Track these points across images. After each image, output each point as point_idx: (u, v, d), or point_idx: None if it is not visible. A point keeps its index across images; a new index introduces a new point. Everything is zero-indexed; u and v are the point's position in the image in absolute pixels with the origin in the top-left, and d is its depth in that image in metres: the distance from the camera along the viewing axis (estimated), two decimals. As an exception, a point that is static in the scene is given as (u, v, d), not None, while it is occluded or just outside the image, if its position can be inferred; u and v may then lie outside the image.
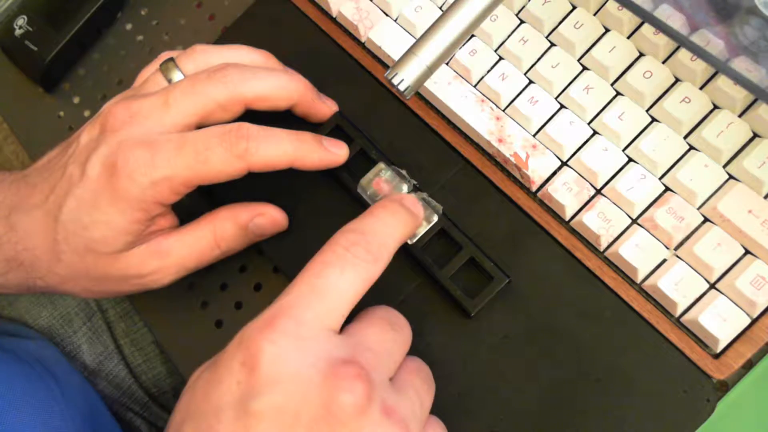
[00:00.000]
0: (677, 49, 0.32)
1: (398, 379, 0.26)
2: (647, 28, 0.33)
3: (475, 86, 0.35)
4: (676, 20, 0.29)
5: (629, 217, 0.32)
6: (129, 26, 0.47)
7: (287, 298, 0.25)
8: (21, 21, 0.45)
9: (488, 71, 0.35)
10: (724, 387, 0.30)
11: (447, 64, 0.36)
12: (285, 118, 0.34)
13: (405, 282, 0.33)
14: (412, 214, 0.29)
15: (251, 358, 0.24)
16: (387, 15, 0.38)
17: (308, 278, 0.26)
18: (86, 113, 0.46)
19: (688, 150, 0.31)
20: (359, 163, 0.34)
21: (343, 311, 0.26)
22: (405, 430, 0.24)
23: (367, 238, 0.27)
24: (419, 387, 0.27)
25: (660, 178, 0.32)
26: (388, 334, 0.27)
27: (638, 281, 0.31)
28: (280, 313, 0.25)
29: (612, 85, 0.33)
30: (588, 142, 0.33)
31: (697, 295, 0.30)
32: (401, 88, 0.29)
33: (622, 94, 0.33)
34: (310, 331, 0.24)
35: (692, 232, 0.31)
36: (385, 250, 0.27)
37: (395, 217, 0.29)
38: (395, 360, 0.27)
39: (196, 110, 0.31)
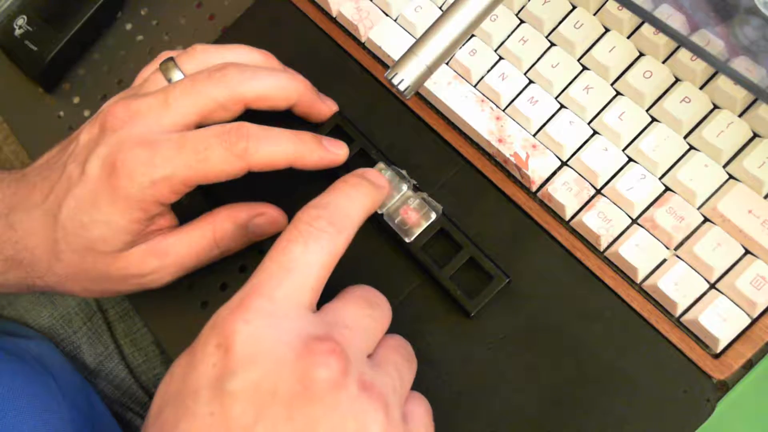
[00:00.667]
0: (677, 49, 0.32)
1: (377, 355, 0.26)
2: (647, 28, 0.33)
3: (475, 86, 0.35)
4: (676, 20, 0.29)
5: (629, 217, 0.32)
6: (129, 26, 0.47)
7: (256, 279, 0.25)
8: (21, 21, 0.45)
9: (488, 71, 0.35)
10: (724, 387, 0.30)
11: (447, 64, 0.36)
12: (285, 118, 0.34)
13: (405, 282, 0.33)
14: (374, 185, 0.30)
15: (225, 339, 0.24)
16: (387, 15, 0.38)
17: (275, 257, 0.26)
18: (86, 113, 0.46)
19: (688, 150, 0.31)
20: (359, 163, 0.34)
21: (314, 286, 0.26)
22: (383, 405, 0.24)
23: (330, 210, 0.27)
24: (399, 363, 0.27)
25: (660, 178, 0.32)
26: (365, 310, 0.27)
27: (638, 281, 0.31)
28: (251, 293, 0.25)
29: (612, 85, 0.33)
30: (588, 142, 0.33)
31: (697, 295, 0.30)
32: (401, 88, 0.29)
33: (622, 94, 0.33)
34: (283, 309, 0.25)
35: (692, 232, 0.31)
36: (349, 220, 0.27)
37: (357, 188, 0.29)
38: (373, 336, 0.27)
39: (196, 110, 0.31)
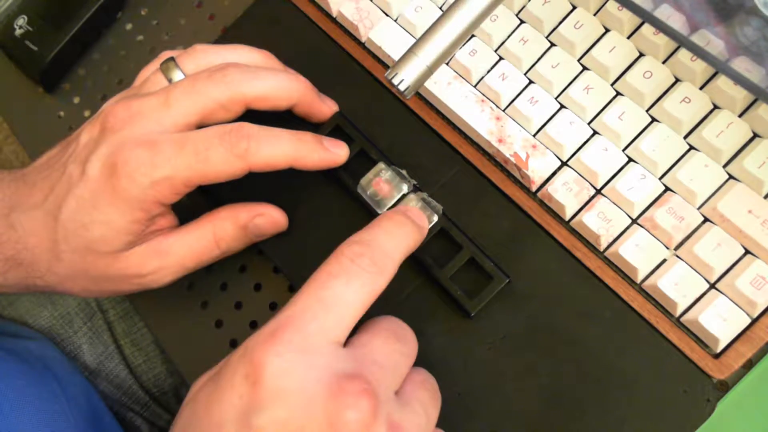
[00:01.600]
0: (677, 49, 0.32)
1: (404, 393, 0.26)
2: (647, 28, 0.33)
3: (475, 86, 0.35)
4: (676, 20, 0.29)
5: (629, 217, 0.32)
6: (129, 26, 0.47)
7: (292, 310, 0.25)
8: (21, 21, 0.45)
9: (488, 71, 0.35)
10: (724, 387, 0.30)
11: (447, 64, 0.36)
12: (285, 118, 0.34)
13: (405, 282, 0.33)
14: (417, 227, 0.29)
15: (254, 371, 0.23)
16: (387, 15, 0.38)
17: (314, 290, 0.25)
18: (86, 113, 0.46)
19: (688, 150, 0.31)
20: (359, 163, 0.34)
21: (349, 323, 0.25)
22: None
23: (373, 249, 0.26)
24: (425, 400, 0.26)
25: (660, 178, 0.32)
26: (394, 345, 0.26)
27: (638, 281, 0.31)
28: (285, 325, 0.24)
29: (612, 85, 0.33)
30: (588, 142, 0.33)
31: (697, 295, 0.30)
32: (401, 88, 0.29)
33: (622, 94, 0.33)
34: (316, 344, 0.24)
35: (692, 232, 0.31)
36: (391, 261, 0.27)
37: (401, 229, 0.28)
38: (401, 373, 0.26)
39: (196, 110, 0.31)
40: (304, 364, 0.23)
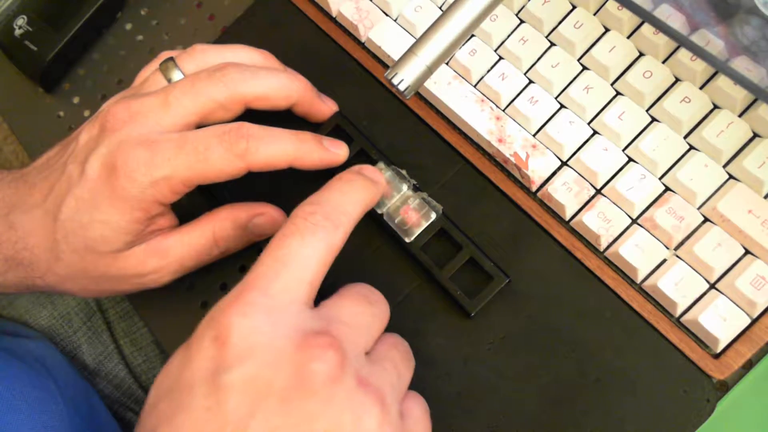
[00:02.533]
0: (677, 49, 0.32)
1: (375, 352, 0.26)
2: (647, 28, 0.33)
3: (475, 86, 0.35)
4: (676, 20, 0.29)
5: (629, 217, 0.32)
6: (129, 26, 0.47)
7: (254, 273, 0.25)
8: (21, 21, 0.45)
9: (488, 71, 0.35)
10: (724, 387, 0.30)
11: (447, 64, 0.36)
12: (285, 118, 0.34)
13: (405, 282, 0.33)
14: (370, 181, 0.30)
15: (221, 332, 0.24)
16: (387, 15, 0.38)
17: (271, 251, 0.26)
18: (86, 113, 0.46)
19: (688, 150, 0.31)
20: (359, 163, 0.34)
21: (311, 280, 0.26)
22: (380, 400, 0.24)
23: (324, 206, 0.27)
24: (397, 360, 0.27)
25: (660, 178, 0.32)
26: (364, 307, 0.27)
27: (638, 281, 0.31)
28: (247, 287, 0.25)
29: (612, 84, 0.33)
30: (588, 142, 0.33)
31: (697, 295, 0.30)
32: (401, 88, 0.29)
33: (622, 94, 0.33)
34: (280, 303, 0.25)
35: (692, 232, 0.31)
36: (345, 216, 0.27)
37: (352, 184, 0.29)
38: (371, 334, 0.27)
39: (196, 110, 0.31)
40: (270, 322, 0.24)
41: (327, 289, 0.27)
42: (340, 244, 0.27)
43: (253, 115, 0.32)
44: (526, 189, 0.34)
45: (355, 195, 0.29)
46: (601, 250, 0.32)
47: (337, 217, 0.27)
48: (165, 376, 0.25)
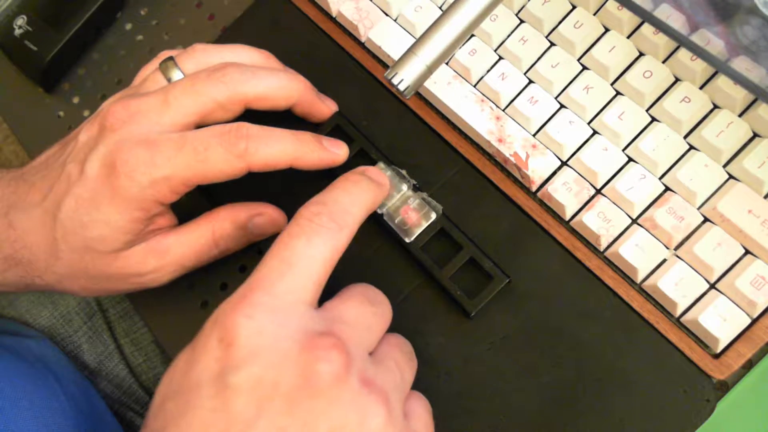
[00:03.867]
0: (677, 49, 0.32)
1: (378, 352, 0.27)
2: (647, 28, 0.33)
3: (475, 86, 0.35)
4: (676, 20, 0.29)
5: (629, 217, 0.32)
6: (129, 26, 0.47)
7: (258, 274, 0.25)
8: (21, 21, 0.45)
9: (488, 71, 0.35)
10: (724, 387, 0.30)
11: (447, 64, 0.36)
12: (285, 118, 0.34)
13: (405, 282, 0.33)
14: (375, 182, 0.30)
15: (227, 333, 0.24)
16: (387, 15, 0.38)
17: (276, 252, 0.26)
18: (86, 113, 0.46)
19: (688, 150, 0.31)
20: (359, 163, 0.34)
21: (316, 281, 0.26)
22: (384, 400, 0.24)
23: (329, 206, 0.27)
24: (400, 360, 0.27)
25: (660, 178, 0.32)
26: (367, 307, 0.27)
27: (638, 281, 0.31)
28: (253, 288, 0.25)
29: (612, 84, 0.33)
30: (588, 142, 0.33)
31: (697, 295, 0.30)
32: (401, 88, 0.29)
33: (622, 94, 0.33)
34: (285, 304, 0.25)
35: (692, 232, 0.31)
36: (350, 217, 0.27)
37: (357, 185, 0.29)
38: (374, 334, 0.27)
39: (195, 109, 0.31)
40: (276, 323, 0.24)
41: (328, 289, 0.27)
42: (345, 245, 0.27)
43: (253, 115, 0.32)
44: (526, 189, 0.34)
45: (360, 196, 0.29)
46: (601, 250, 0.32)
47: (342, 218, 0.27)
48: (171, 377, 0.25)
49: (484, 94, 0.35)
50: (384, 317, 0.28)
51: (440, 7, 0.37)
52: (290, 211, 0.35)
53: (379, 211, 0.33)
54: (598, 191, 0.32)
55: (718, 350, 0.29)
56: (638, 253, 0.31)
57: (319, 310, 0.26)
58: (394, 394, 0.25)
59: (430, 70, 0.29)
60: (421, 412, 0.26)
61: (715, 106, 0.31)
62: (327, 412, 0.23)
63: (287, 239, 0.26)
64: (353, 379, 0.24)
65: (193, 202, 0.34)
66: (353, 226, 0.28)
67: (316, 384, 0.23)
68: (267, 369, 0.23)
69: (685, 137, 0.32)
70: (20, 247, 0.32)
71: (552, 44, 0.35)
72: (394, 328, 0.28)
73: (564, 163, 0.33)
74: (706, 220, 0.31)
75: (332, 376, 0.23)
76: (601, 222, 0.32)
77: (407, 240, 0.33)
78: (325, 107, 0.35)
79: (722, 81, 0.31)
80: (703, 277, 0.30)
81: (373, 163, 0.34)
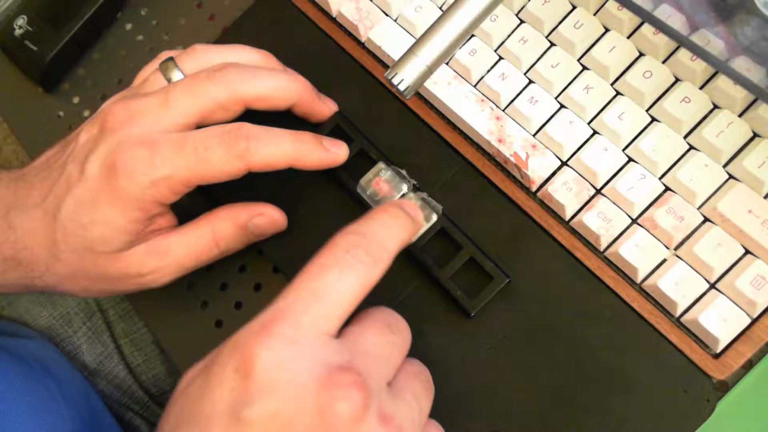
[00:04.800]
0: (677, 49, 0.32)
1: (397, 384, 0.26)
2: (647, 28, 0.33)
3: (475, 86, 0.35)
4: (676, 20, 0.29)
5: (629, 216, 0.32)
6: (129, 26, 0.47)
7: (284, 302, 0.25)
8: (21, 21, 0.45)
9: (488, 71, 0.35)
10: (724, 387, 0.30)
11: (447, 64, 0.36)
12: (285, 118, 0.34)
13: (405, 282, 0.33)
14: (411, 219, 0.29)
15: (245, 364, 0.23)
16: (387, 15, 0.38)
17: (306, 281, 0.25)
18: (86, 113, 0.46)
19: (688, 150, 0.31)
20: (359, 163, 0.34)
21: (342, 315, 0.25)
22: None
23: (368, 240, 0.26)
24: (418, 391, 0.26)
25: (660, 178, 0.32)
26: (387, 336, 0.26)
27: (638, 281, 0.31)
28: (276, 318, 0.24)
29: (612, 84, 0.33)
30: (588, 142, 0.33)
31: (697, 295, 0.30)
32: (401, 88, 0.29)
33: (622, 94, 0.33)
34: (307, 336, 0.24)
35: (692, 232, 0.31)
36: (385, 252, 0.27)
37: (395, 220, 0.28)
38: (394, 364, 0.26)
39: (195, 110, 0.31)
40: (296, 357, 0.23)
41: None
42: (377, 281, 0.26)
43: (253, 115, 0.32)
44: (526, 189, 0.34)
45: (397, 231, 0.28)
46: (601, 250, 0.32)
47: (379, 254, 0.26)
48: (183, 402, 0.24)
49: (484, 94, 0.35)
50: (404, 346, 0.27)
51: (440, 7, 0.37)
52: (290, 211, 0.35)
53: None
54: (598, 191, 0.32)
55: (718, 350, 0.29)
56: (638, 253, 0.31)
57: (339, 340, 0.25)
58: (411, 429, 0.24)
59: (430, 71, 0.29)
60: None
61: (715, 106, 0.31)
62: None
63: (319, 269, 0.25)
64: (371, 418, 0.23)
65: (193, 202, 0.34)
66: (387, 262, 0.27)
67: (333, 423, 0.22)
68: (283, 404, 0.22)
69: (685, 137, 0.32)
70: (20, 248, 0.32)
71: (552, 44, 0.35)
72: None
73: (564, 163, 0.33)
74: (706, 220, 0.31)
75: (351, 415, 0.22)
76: (601, 222, 0.32)
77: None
78: (325, 107, 0.35)
79: (722, 81, 0.31)
80: (703, 277, 0.30)
81: (373, 163, 0.34)
